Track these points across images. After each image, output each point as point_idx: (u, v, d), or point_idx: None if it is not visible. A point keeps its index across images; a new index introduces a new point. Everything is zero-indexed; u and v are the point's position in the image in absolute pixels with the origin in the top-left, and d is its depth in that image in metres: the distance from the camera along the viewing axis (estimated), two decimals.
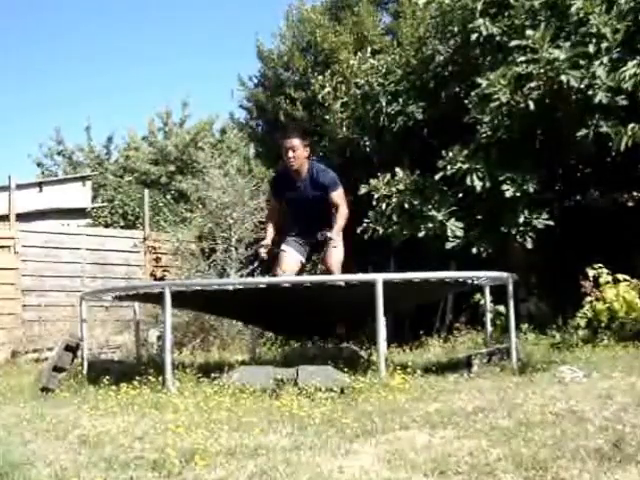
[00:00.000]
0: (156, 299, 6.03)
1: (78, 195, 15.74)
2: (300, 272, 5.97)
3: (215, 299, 5.95)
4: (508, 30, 8.28)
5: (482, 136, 8.18)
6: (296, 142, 5.72)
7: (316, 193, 5.74)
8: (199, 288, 5.80)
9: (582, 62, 7.56)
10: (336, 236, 5.76)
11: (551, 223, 8.04)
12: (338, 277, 5.98)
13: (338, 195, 5.83)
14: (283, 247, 5.94)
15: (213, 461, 3.11)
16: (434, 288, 6.47)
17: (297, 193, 5.77)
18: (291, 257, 5.85)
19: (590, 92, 7.49)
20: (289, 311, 5.69)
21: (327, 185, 5.78)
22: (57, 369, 5.73)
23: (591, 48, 7.56)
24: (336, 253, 5.84)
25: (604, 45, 7.56)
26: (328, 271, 5.81)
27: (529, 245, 8.05)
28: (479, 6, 8.35)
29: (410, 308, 9.03)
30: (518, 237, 8.02)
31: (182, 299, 5.88)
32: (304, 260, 5.91)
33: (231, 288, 5.53)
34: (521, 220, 7.99)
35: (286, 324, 6.34)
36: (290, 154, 5.68)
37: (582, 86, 7.53)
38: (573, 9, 7.75)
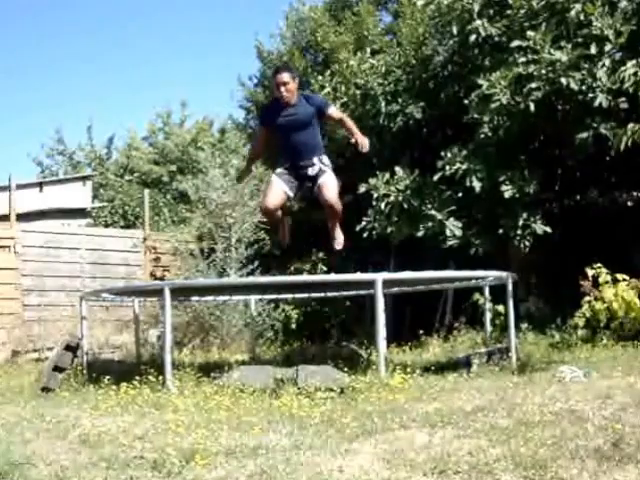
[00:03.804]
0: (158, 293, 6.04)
1: (78, 195, 15.72)
2: (284, 204, 5.94)
3: None
4: (507, 31, 8.28)
5: (481, 136, 8.18)
6: (287, 76, 5.82)
7: (311, 112, 5.84)
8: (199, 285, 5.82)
9: (583, 64, 7.56)
10: (360, 137, 5.83)
11: (548, 230, 8.02)
12: (338, 277, 5.99)
13: (336, 109, 6.03)
14: (272, 178, 6.01)
15: (213, 461, 3.12)
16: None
17: (289, 117, 5.85)
18: (277, 187, 5.86)
19: (591, 94, 7.50)
20: None
21: (321, 103, 5.95)
22: (57, 369, 5.74)
23: (593, 50, 7.56)
24: (331, 183, 5.83)
25: (607, 47, 7.56)
26: (327, 203, 5.73)
27: (526, 249, 8.04)
28: (476, 7, 8.35)
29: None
30: (516, 240, 8.01)
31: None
32: (291, 194, 5.87)
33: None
34: (520, 223, 7.98)
35: None
36: (282, 89, 5.80)
37: (583, 88, 7.53)
38: (573, 12, 7.75)
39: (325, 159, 5.90)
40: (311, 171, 5.80)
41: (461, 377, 5.37)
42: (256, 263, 9.58)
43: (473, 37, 8.33)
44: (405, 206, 8.44)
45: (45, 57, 35.10)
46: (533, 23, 8.03)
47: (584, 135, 7.69)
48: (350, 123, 6.00)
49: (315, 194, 5.84)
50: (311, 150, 5.85)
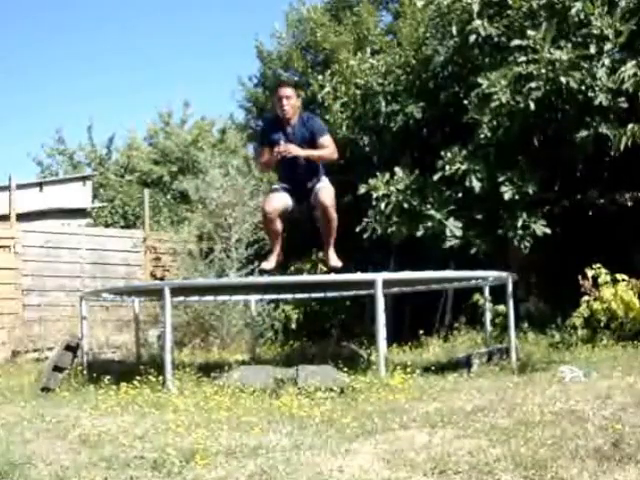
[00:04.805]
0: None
1: (78, 195, 15.73)
2: (284, 214, 5.97)
3: None
4: (507, 31, 8.29)
5: (481, 137, 8.18)
6: (290, 91, 5.87)
7: (305, 136, 5.85)
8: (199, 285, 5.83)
9: (583, 64, 7.57)
10: (310, 152, 5.79)
11: (548, 231, 8.02)
12: (338, 277, 5.99)
13: (328, 139, 5.95)
14: (272, 188, 6.11)
15: (213, 461, 3.11)
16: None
17: (287, 138, 5.86)
18: (278, 194, 5.93)
19: (591, 94, 7.50)
20: None
21: (316, 131, 5.90)
22: (57, 369, 5.74)
23: (592, 49, 7.56)
24: (328, 189, 5.87)
25: (606, 47, 7.57)
26: (322, 205, 5.77)
27: (526, 250, 8.04)
28: (476, 7, 8.36)
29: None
30: (516, 241, 8.00)
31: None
32: (291, 203, 5.92)
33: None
34: (519, 224, 7.97)
35: None
36: (284, 102, 5.82)
37: (583, 87, 7.54)
38: (573, 11, 7.76)
39: (324, 178, 5.94)
40: (309, 185, 5.86)
41: (461, 377, 5.38)
42: (256, 263, 9.58)
43: (473, 37, 8.33)
44: (405, 206, 8.44)
45: (45, 57, 35.13)
46: (533, 23, 8.04)
47: (584, 134, 7.69)
48: (323, 154, 5.88)
49: (312, 203, 5.89)
50: (309, 174, 5.87)
